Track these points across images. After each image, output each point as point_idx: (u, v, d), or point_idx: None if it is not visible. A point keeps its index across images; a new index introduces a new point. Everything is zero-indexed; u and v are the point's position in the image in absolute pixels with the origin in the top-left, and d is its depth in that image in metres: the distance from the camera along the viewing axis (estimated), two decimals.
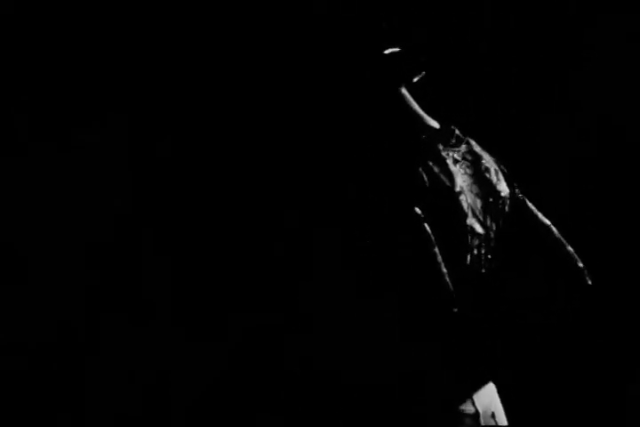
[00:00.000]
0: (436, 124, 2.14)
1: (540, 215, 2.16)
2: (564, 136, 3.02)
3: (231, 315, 2.09)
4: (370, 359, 2.16)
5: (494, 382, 2.18)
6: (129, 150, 2.41)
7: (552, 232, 2.15)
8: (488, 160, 2.17)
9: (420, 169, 2.04)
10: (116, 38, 2.47)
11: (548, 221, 2.16)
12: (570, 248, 2.14)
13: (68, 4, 2.48)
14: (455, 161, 2.11)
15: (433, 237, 2.00)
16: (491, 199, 2.12)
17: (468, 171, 2.12)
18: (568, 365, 2.97)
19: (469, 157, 2.14)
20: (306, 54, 2.23)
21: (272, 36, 2.25)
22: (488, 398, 2.16)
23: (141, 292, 2.29)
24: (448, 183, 2.06)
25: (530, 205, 2.15)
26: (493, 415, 2.14)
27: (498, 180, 2.16)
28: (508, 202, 2.15)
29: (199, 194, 2.19)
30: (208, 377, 2.12)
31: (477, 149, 2.17)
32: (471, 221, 2.07)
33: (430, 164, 2.06)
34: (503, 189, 2.15)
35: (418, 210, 2.02)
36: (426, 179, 2.05)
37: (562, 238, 2.14)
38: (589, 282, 2.14)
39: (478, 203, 2.10)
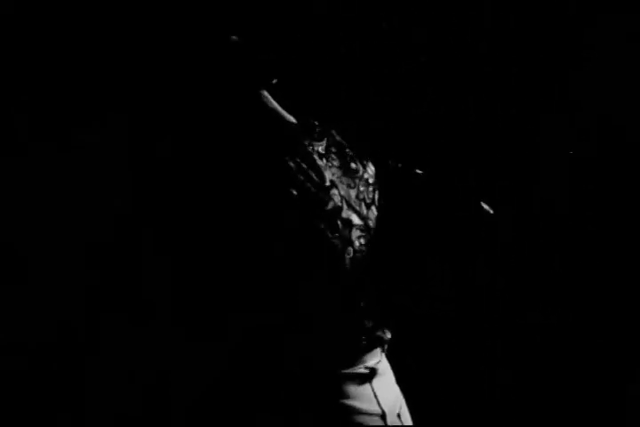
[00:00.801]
0: (293, 120, 2.12)
1: (412, 174, 2.15)
2: (564, 136, 3.02)
3: (231, 315, 2.09)
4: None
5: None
6: (129, 150, 2.41)
7: (427, 186, 2.14)
8: (351, 148, 2.15)
9: (290, 164, 2.03)
10: (115, 38, 2.47)
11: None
12: (460, 195, 2.13)
13: (67, 5, 2.49)
14: (321, 155, 2.08)
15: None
16: (362, 188, 2.10)
17: (335, 163, 2.09)
18: (568, 365, 2.98)
19: (334, 149, 2.12)
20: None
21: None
22: (393, 399, 2.15)
23: (141, 292, 2.29)
24: (317, 179, 2.04)
25: (401, 174, 2.14)
26: (399, 416, 2.13)
27: (364, 166, 2.14)
28: (376, 188, 2.13)
29: (199, 194, 2.19)
30: (208, 377, 2.12)
31: (338, 138, 2.15)
32: (347, 213, 2.05)
33: (298, 160, 2.04)
34: (370, 174, 2.13)
35: (294, 192, 2.00)
36: (296, 175, 2.03)
37: (439, 190, 2.12)
38: (490, 211, 2.12)
39: (351, 194, 2.08)
